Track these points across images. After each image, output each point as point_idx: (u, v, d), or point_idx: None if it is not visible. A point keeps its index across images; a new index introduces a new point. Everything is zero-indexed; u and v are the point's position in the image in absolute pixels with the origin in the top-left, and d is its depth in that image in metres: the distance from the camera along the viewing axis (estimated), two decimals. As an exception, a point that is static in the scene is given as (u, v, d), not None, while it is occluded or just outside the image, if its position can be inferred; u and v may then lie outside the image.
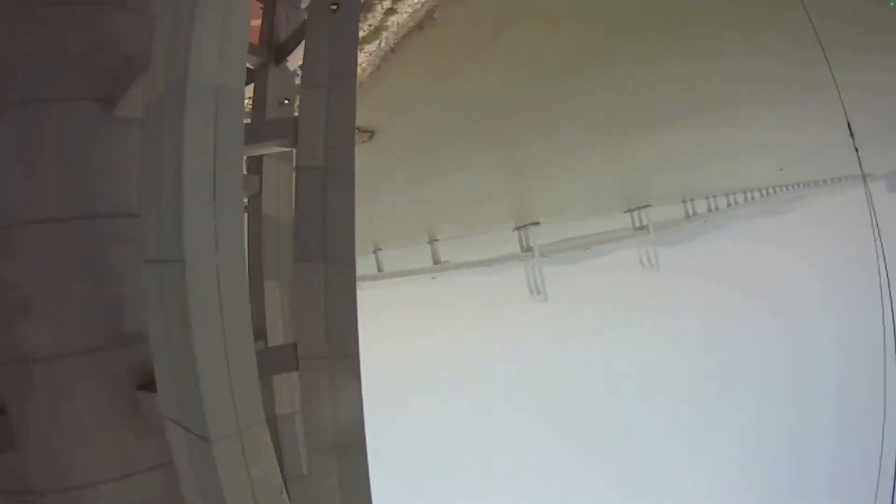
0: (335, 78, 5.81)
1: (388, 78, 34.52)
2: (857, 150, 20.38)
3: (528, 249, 47.34)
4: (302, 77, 6.18)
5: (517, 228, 46.47)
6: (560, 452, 56.92)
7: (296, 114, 5.91)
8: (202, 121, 3.76)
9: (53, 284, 5.00)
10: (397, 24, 32.12)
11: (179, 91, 3.74)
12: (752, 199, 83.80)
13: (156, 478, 5.18)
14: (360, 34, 33.06)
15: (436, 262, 44.80)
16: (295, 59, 7.54)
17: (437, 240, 44.73)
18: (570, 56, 33.66)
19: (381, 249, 44.05)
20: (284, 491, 5.38)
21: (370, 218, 43.81)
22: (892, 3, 36.71)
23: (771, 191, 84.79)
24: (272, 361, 5.73)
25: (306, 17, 6.35)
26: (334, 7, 5.90)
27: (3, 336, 4.96)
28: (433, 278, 45.56)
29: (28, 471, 5.09)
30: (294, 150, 5.84)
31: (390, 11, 31.38)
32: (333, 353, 5.33)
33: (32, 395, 4.99)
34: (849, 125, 18.85)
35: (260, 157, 7.54)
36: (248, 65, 8.02)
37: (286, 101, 7.75)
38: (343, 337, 5.32)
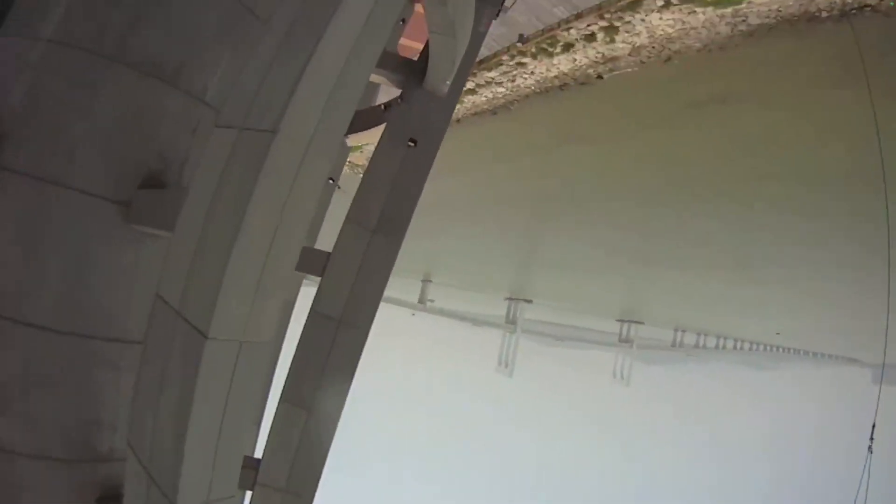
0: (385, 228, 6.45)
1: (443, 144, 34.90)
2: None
3: (511, 322, 47.20)
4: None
5: (509, 299, 46.39)
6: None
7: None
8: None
9: (34, 390, 4.73)
10: (473, 102, 32.76)
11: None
12: (740, 348, 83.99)
13: None
14: None
15: (421, 300, 44.59)
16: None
17: (430, 280, 44.62)
18: (607, 178, 34.21)
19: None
20: None
21: None
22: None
23: (761, 347, 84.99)
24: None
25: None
26: (412, 144, 6.44)
27: None
28: (413, 315, 45.30)
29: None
30: None
31: (471, 91, 31.84)
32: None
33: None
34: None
35: None
36: None
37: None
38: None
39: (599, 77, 30.56)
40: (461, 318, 46.68)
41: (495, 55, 30.07)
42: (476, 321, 47.35)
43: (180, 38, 4.72)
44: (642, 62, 30.70)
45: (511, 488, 57.22)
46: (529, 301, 46.12)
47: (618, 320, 53.39)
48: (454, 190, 39.02)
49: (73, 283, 4.61)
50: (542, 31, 28.77)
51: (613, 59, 30.62)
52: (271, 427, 6.22)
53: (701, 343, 71.72)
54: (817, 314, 50.44)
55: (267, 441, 6.12)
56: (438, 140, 6.71)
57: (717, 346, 76.04)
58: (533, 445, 58.68)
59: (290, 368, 6.13)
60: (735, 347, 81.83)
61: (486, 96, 32.62)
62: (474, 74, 31.10)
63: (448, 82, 6.63)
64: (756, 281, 43.80)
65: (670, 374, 70.39)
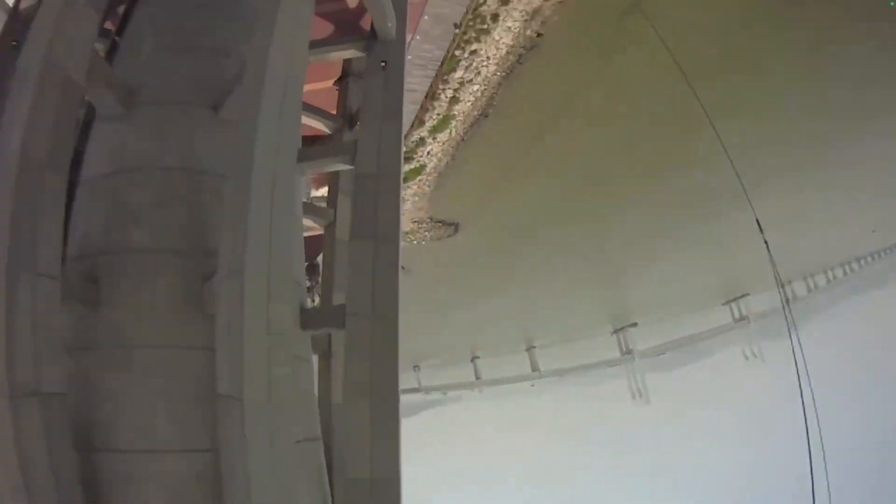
0: (387, 114, 8.09)
1: (464, 168, 36.01)
2: None
3: (627, 352, 45.90)
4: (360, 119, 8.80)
5: (615, 332, 45.41)
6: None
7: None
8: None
9: (158, 212, 7.19)
10: (463, 112, 34.20)
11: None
12: (852, 271, 78.01)
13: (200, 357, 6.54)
14: (431, 123, 35.17)
15: (534, 368, 44.15)
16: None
17: (535, 346, 44.29)
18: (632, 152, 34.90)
19: (478, 357, 44.06)
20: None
21: (466, 324, 44.33)
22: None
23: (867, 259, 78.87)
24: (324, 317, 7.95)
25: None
26: (383, 64, 8.48)
27: (113, 233, 7.04)
28: (532, 386, 44.73)
29: (102, 327, 6.75)
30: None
31: (454, 100, 33.47)
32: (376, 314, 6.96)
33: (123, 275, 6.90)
34: None
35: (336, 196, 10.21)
36: (328, 130, 11.18)
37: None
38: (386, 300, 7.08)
39: (539, 35, 32.37)
40: (578, 369, 45.66)
41: (449, 55, 31.79)
42: (595, 367, 46.19)
43: None
44: (559, 2, 32.78)
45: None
46: (634, 324, 45.01)
47: (724, 304, 51.04)
48: (507, 231, 39.75)
49: (186, 153, 7.77)
50: (467, 11, 31.22)
51: (535, 10, 32.65)
52: (349, 263, 7.42)
53: (812, 286, 67.14)
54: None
55: (348, 277, 7.39)
56: (402, 58, 8.71)
57: (828, 281, 70.75)
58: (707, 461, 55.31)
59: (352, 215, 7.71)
60: (845, 273, 75.99)
61: (468, 100, 34.07)
62: (445, 82, 32.80)
63: (391, 24, 8.62)
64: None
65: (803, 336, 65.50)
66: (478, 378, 43.92)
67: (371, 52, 8.70)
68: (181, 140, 7.58)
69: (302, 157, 7.21)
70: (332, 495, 7.59)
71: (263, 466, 5.38)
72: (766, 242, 48.05)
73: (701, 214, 40.32)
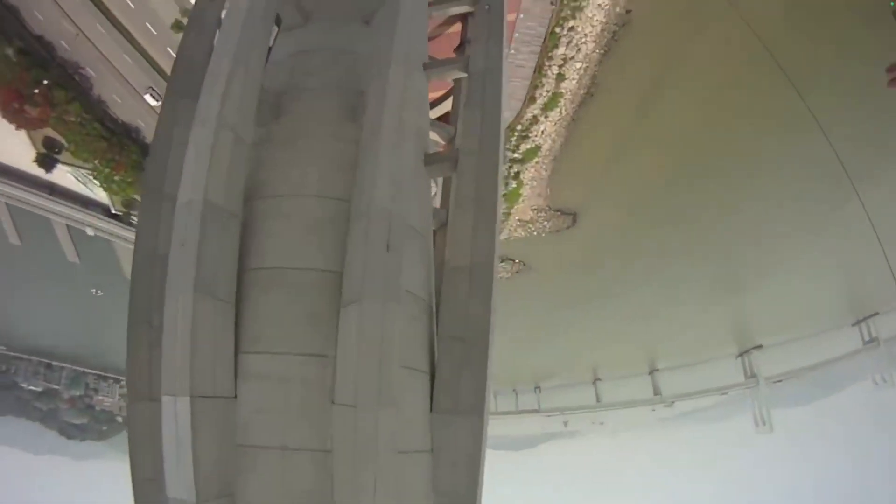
0: (491, 36, 10.03)
1: (578, 150, 36.38)
2: None
3: (751, 376, 44.50)
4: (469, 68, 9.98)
5: (739, 355, 44.14)
6: None
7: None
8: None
9: (325, 68, 9.57)
10: (570, 90, 35.33)
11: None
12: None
13: None
14: (542, 100, 35.90)
15: (656, 392, 43.66)
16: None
17: (657, 369, 43.80)
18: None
19: (599, 380, 44.05)
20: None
21: (586, 341, 44.05)
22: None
23: None
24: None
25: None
26: (488, 7, 10.47)
27: (294, 80, 9.56)
28: (653, 410, 44.18)
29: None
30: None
31: (560, 77, 34.66)
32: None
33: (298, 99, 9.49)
34: None
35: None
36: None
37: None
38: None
39: (628, 11, 33.57)
40: (700, 393, 44.61)
41: (549, 30, 33.19)
42: (717, 391, 44.98)
43: None
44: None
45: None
46: (759, 346, 43.55)
47: (853, 324, 48.33)
48: (624, 230, 39.05)
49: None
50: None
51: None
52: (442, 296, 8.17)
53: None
54: None
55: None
56: (501, 2, 10.60)
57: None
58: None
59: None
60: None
61: (573, 77, 35.28)
62: (550, 58, 34.72)
63: None
64: None
65: None
66: (599, 401, 43.89)
67: (479, 3, 11.02)
68: (342, 38, 10.22)
69: (427, 67, 9.70)
70: None
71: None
72: (884, 253, 45.77)
73: (813, 214, 38.56)
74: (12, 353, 61.05)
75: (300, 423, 7.14)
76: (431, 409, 7.68)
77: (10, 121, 30.83)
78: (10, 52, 28.40)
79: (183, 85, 9.18)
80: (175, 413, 6.50)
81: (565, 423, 48.96)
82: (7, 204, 39.33)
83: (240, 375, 7.26)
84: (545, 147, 36.35)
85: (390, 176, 7.45)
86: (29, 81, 28.74)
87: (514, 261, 39.26)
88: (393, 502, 6.58)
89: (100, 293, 46.50)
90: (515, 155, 35.79)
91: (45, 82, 29.14)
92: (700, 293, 42.05)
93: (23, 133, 32.49)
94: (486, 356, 7.67)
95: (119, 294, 44.57)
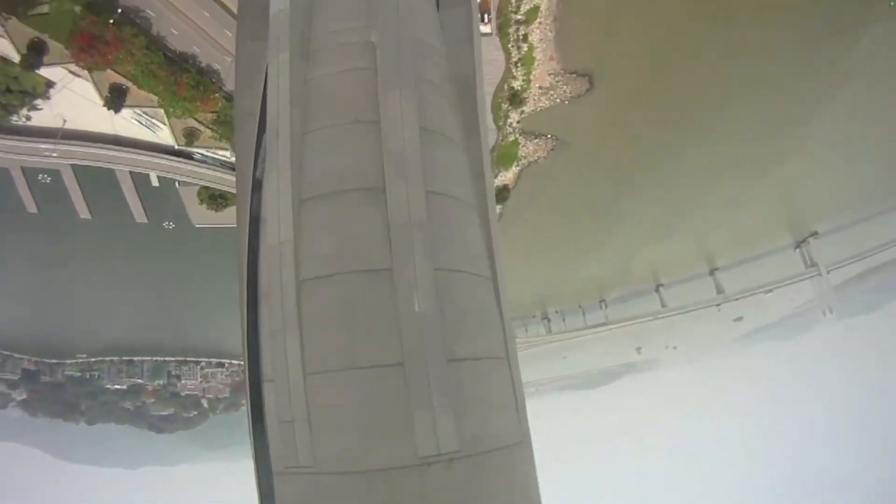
0: None
1: (578, 6, 35.31)
2: None
3: (811, 265, 45.08)
4: None
5: (797, 246, 44.87)
6: None
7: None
8: None
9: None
10: None
11: None
12: None
13: None
14: None
15: (719, 291, 44.44)
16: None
17: (717, 269, 44.68)
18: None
19: (662, 285, 45.02)
20: None
21: (643, 241, 43.30)
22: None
23: None
24: None
25: None
26: None
27: None
28: (719, 309, 44.77)
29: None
30: None
31: None
32: None
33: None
34: None
35: None
36: None
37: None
38: None
39: None
40: (762, 289, 45.03)
41: None
42: (779, 283, 45.35)
43: None
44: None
45: None
46: (816, 234, 44.09)
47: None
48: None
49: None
50: None
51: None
52: None
53: None
54: None
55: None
56: None
57: None
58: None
59: None
60: None
61: None
62: None
63: None
64: None
65: None
66: (664, 306, 44.77)
67: None
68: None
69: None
70: None
71: None
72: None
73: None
74: (93, 359, 63.82)
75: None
76: None
77: (87, 64, 35.45)
78: (77, 8, 33.88)
79: (249, 29, 10.10)
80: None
81: (638, 350, 49.37)
82: (80, 183, 44.59)
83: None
84: (543, 7, 35.86)
85: None
86: (98, 23, 33.75)
87: (546, 136, 39.03)
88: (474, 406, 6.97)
89: (171, 225, 46.85)
90: (518, 16, 36.14)
91: (112, 21, 34.28)
92: (742, 167, 39.94)
93: (84, 97, 38.19)
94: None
95: (190, 257, 47.92)
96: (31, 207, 46.17)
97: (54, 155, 42.48)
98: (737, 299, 44.46)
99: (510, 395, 7.82)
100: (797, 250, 44.98)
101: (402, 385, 6.67)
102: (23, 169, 44.45)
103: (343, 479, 6.63)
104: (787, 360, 48.56)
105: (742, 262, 44.50)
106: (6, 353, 62.93)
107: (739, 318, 45.42)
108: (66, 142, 41.80)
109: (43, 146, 42.14)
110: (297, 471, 6.82)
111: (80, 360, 64.32)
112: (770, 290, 45.04)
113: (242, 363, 8.29)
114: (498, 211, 39.64)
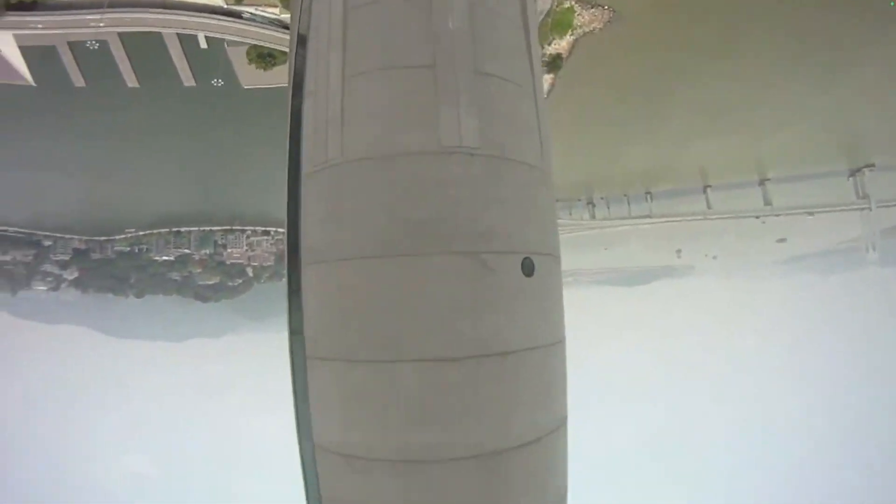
0: None
1: None
2: None
3: (862, 197, 45.77)
4: None
5: (851, 174, 45.55)
6: None
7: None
8: None
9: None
10: None
11: None
12: None
13: None
14: None
15: (766, 203, 45.65)
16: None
17: (768, 180, 45.84)
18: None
19: (710, 186, 46.44)
20: None
21: (695, 133, 42.16)
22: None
23: None
24: None
25: None
26: None
27: None
28: (763, 222, 45.89)
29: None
30: None
31: None
32: None
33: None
34: None
35: None
36: None
37: None
38: None
39: None
40: (810, 209, 45.91)
41: None
42: (827, 207, 46.09)
43: None
44: None
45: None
46: (872, 165, 44.71)
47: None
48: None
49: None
50: None
51: None
52: None
53: None
54: None
55: None
56: None
57: None
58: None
59: None
60: None
61: None
62: None
63: None
64: None
65: None
66: (709, 208, 46.28)
67: None
68: None
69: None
70: None
71: None
72: None
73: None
74: (142, 232, 66.78)
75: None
76: None
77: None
78: None
79: None
80: None
81: (678, 254, 50.26)
82: (127, 53, 44.03)
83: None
84: None
85: None
86: None
87: (604, 6, 38.29)
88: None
89: (220, 82, 45.47)
90: None
91: None
92: (809, 74, 38.94)
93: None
94: None
95: (238, 120, 48.12)
96: (79, 81, 46.10)
97: (101, 25, 42.36)
98: (783, 215, 45.54)
99: (535, 126, 8.05)
100: (850, 179, 45.77)
101: (431, 84, 7.00)
102: (69, 44, 44.26)
103: (367, 164, 6.93)
104: (825, 298, 48.75)
105: (793, 179, 45.38)
106: (57, 235, 66.26)
107: (783, 240, 46.19)
108: (113, 9, 41.48)
109: (90, 17, 42.13)
110: (325, 166, 7.22)
111: (129, 235, 67.20)
112: (814, 214, 45.93)
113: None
114: (550, 82, 41.19)
